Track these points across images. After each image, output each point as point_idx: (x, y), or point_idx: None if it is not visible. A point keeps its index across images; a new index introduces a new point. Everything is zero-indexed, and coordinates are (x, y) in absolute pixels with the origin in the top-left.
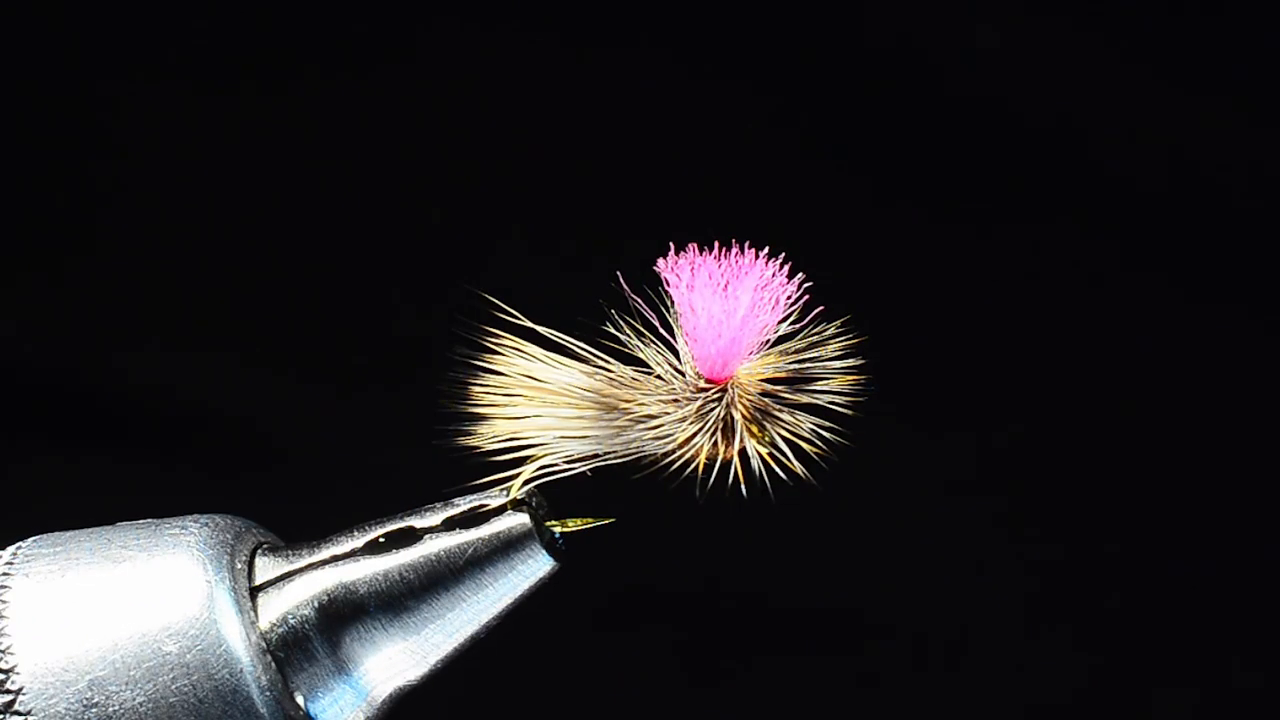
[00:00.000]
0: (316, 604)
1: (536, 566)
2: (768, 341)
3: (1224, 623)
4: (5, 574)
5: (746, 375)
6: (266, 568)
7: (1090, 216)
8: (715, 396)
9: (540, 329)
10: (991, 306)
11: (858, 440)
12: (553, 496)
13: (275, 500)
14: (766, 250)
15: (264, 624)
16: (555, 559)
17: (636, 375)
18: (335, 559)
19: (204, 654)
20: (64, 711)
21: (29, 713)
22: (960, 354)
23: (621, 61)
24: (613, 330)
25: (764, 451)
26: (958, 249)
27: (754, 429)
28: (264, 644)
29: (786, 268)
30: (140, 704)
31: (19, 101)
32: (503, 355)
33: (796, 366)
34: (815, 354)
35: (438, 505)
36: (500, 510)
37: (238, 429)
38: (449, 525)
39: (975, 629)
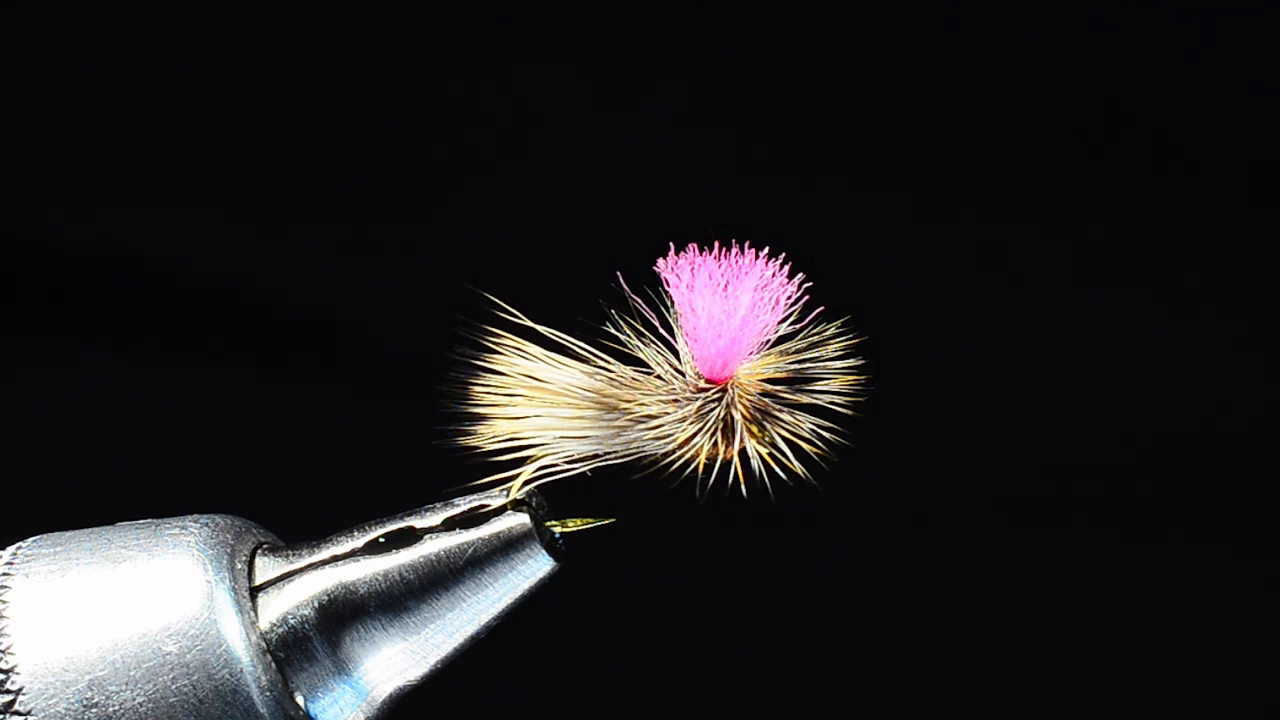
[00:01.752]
0: (316, 604)
1: (536, 566)
2: (768, 342)
3: None
4: (5, 574)
5: (746, 375)
6: (266, 568)
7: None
8: (715, 397)
9: (540, 329)
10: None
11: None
12: (553, 496)
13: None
14: (767, 250)
15: (264, 624)
16: (555, 559)
17: (636, 375)
18: (335, 559)
19: (204, 654)
20: (64, 711)
21: (29, 713)
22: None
23: (624, 60)
24: (613, 330)
25: (764, 452)
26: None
27: (754, 429)
28: (264, 644)
29: (786, 268)
30: (140, 704)
31: None
32: (503, 355)
33: (796, 367)
34: (815, 354)
35: (438, 505)
36: (500, 510)
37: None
38: (449, 525)
39: None
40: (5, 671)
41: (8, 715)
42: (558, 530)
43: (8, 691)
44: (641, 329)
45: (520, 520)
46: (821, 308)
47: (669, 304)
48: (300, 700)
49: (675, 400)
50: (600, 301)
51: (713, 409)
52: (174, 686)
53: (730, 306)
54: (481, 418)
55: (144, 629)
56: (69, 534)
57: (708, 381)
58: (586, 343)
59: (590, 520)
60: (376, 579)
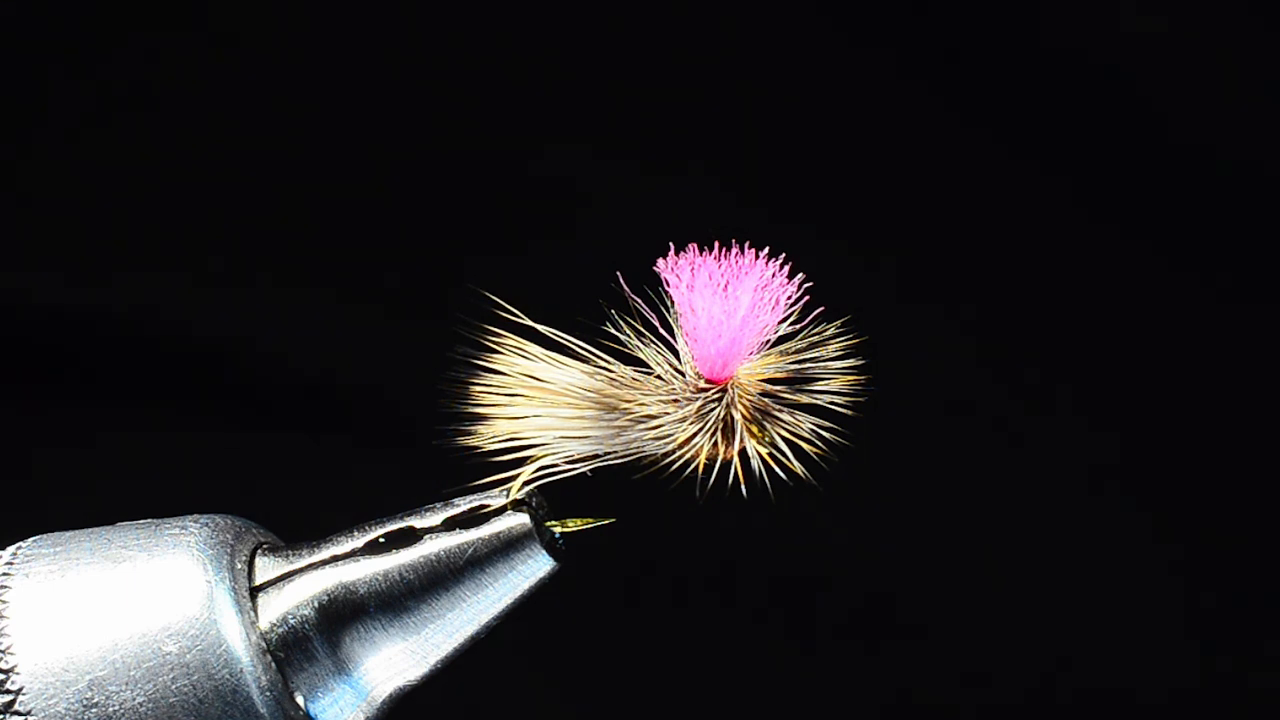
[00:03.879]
0: (316, 604)
1: (536, 566)
2: (768, 342)
3: None
4: (5, 574)
5: (746, 375)
6: (266, 568)
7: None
8: (715, 397)
9: (540, 329)
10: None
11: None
12: (553, 496)
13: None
14: (767, 250)
15: (264, 624)
16: (555, 559)
17: (637, 375)
18: (335, 559)
19: (204, 654)
20: (64, 711)
21: (29, 713)
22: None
23: (624, 59)
24: (613, 330)
25: (764, 452)
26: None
27: (754, 429)
28: (264, 644)
29: (786, 268)
30: (140, 704)
31: None
32: (503, 355)
33: (796, 367)
34: (815, 354)
35: (438, 505)
36: (500, 510)
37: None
38: (449, 525)
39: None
40: (5, 671)
41: (8, 715)
42: (558, 530)
43: (8, 691)
44: (641, 329)
45: (520, 520)
46: (821, 308)
47: (669, 304)
48: (300, 700)
49: (675, 400)
50: (600, 301)
51: (713, 409)
52: (174, 686)
53: (730, 307)
54: (482, 418)
55: (144, 629)
56: (69, 534)
57: (708, 382)
58: (586, 343)
59: (590, 520)
60: (376, 579)
